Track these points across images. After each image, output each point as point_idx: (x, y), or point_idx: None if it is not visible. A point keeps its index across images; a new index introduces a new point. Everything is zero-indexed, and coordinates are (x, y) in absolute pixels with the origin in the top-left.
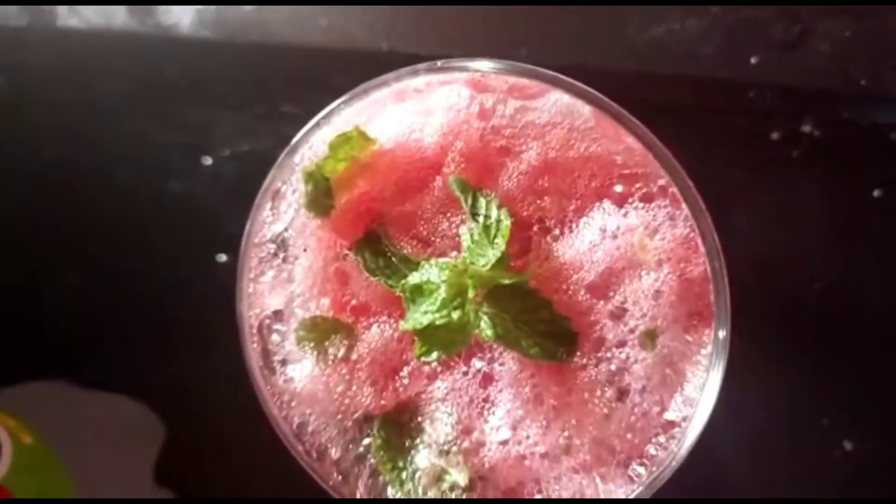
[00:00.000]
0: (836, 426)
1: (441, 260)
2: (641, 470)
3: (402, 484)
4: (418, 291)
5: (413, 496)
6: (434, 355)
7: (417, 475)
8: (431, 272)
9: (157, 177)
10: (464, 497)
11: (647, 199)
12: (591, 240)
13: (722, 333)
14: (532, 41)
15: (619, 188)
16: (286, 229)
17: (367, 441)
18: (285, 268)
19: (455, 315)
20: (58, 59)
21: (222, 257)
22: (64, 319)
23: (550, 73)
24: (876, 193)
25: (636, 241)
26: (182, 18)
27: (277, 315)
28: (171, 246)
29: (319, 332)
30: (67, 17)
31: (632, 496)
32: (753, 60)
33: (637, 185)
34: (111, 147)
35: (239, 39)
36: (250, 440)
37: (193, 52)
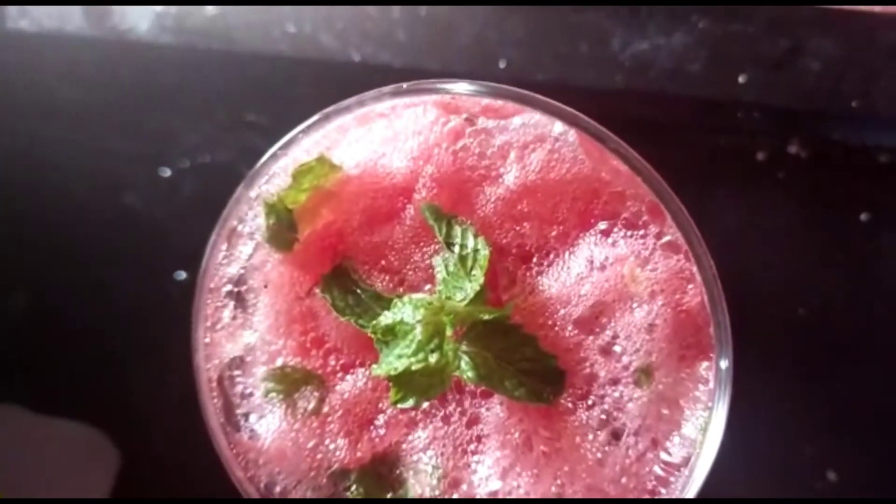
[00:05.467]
0: (820, 455)
1: (415, 296)
2: None
3: None
4: (391, 333)
5: None
6: (411, 402)
7: None
8: (405, 311)
9: (112, 189)
10: None
11: (635, 225)
12: (578, 272)
13: (724, 365)
14: (511, 53)
15: (604, 214)
16: (243, 269)
17: (345, 496)
18: (244, 310)
19: (432, 358)
20: (6, 64)
21: (181, 275)
22: (12, 339)
23: (525, 92)
24: (863, 217)
25: (626, 272)
26: (139, 22)
27: (237, 363)
28: (126, 264)
29: (288, 383)
30: (17, 18)
31: None
32: (741, 79)
33: (623, 212)
34: (64, 157)
35: (200, 45)
36: (208, 470)
37: (152, 57)
